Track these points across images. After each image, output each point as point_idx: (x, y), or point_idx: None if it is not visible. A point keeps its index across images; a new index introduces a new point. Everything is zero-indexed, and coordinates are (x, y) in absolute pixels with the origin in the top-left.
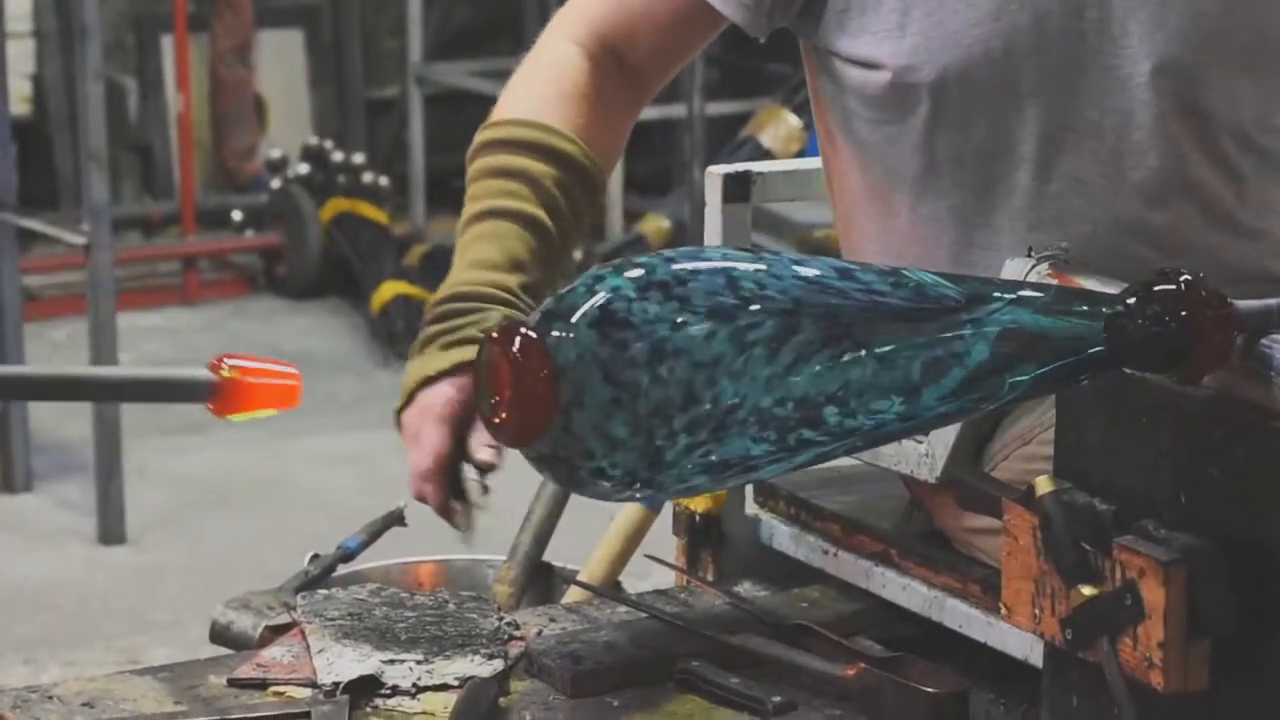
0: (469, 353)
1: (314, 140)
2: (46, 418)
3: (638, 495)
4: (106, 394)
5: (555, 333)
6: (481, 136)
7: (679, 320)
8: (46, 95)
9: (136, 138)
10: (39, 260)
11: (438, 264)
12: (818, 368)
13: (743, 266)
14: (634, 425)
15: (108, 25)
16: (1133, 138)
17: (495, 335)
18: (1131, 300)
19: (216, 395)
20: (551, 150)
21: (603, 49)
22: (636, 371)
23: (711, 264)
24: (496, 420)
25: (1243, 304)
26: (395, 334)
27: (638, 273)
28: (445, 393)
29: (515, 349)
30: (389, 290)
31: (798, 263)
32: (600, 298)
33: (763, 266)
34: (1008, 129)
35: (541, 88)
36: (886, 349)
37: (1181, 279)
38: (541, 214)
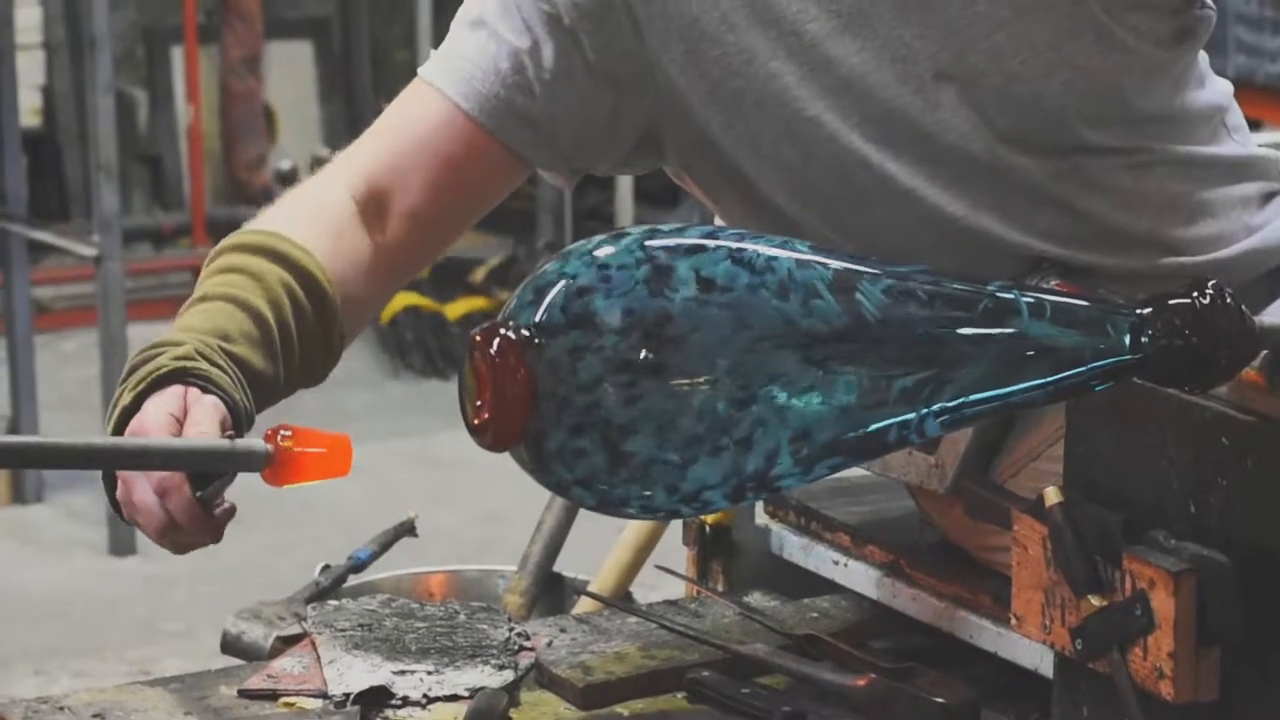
0: (157, 367)
1: (324, 151)
2: (56, 429)
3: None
4: (161, 463)
5: (535, 342)
6: (218, 246)
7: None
8: (56, 107)
9: (146, 149)
10: (49, 272)
11: (448, 275)
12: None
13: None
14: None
15: (117, 37)
16: (993, 230)
17: (477, 339)
18: (1150, 311)
19: (271, 465)
20: (281, 254)
21: (369, 189)
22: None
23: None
24: (477, 422)
25: (1267, 320)
26: (405, 345)
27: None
28: (149, 409)
29: (493, 351)
30: (399, 301)
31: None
32: (579, 292)
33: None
34: (891, 230)
35: (289, 208)
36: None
37: (1204, 292)
38: (260, 303)
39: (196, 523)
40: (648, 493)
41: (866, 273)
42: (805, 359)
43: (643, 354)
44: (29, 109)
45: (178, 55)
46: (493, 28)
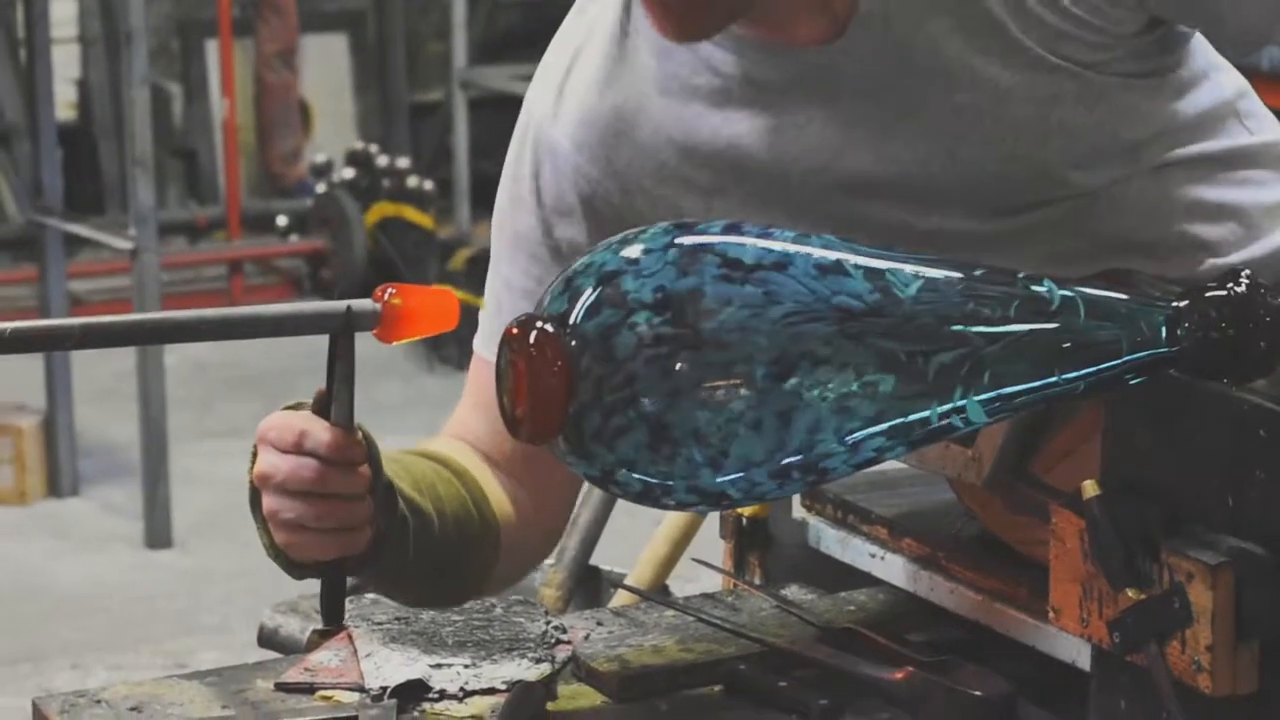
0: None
1: (359, 144)
2: (92, 423)
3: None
4: (271, 329)
5: (569, 326)
6: None
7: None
8: (92, 101)
9: (182, 143)
10: (85, 265)
11: (483, 268)
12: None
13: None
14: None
15: (152, 30)
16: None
17: (513, 332)
18: (1186, 304)
19: (381, 323)
20: (423, 452)
21: (474, 452)
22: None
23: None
24: (516, 413)
25: None
26: (440, 339)
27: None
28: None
29: (530, 343)
30: None
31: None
32: (608, 276)
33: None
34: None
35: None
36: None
37: (1240, 283)
38: (397, 455)
39: (342, 447)
40: (692, 467)
41: (900, 262)
42: (840, 333)
43: (676, 327)
44: (65, 103)
45: (212, 49)
46: (505, 276)
